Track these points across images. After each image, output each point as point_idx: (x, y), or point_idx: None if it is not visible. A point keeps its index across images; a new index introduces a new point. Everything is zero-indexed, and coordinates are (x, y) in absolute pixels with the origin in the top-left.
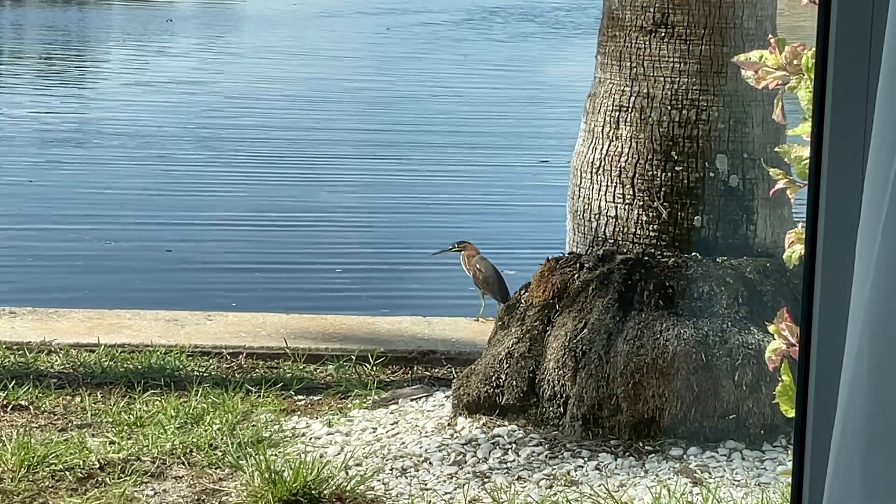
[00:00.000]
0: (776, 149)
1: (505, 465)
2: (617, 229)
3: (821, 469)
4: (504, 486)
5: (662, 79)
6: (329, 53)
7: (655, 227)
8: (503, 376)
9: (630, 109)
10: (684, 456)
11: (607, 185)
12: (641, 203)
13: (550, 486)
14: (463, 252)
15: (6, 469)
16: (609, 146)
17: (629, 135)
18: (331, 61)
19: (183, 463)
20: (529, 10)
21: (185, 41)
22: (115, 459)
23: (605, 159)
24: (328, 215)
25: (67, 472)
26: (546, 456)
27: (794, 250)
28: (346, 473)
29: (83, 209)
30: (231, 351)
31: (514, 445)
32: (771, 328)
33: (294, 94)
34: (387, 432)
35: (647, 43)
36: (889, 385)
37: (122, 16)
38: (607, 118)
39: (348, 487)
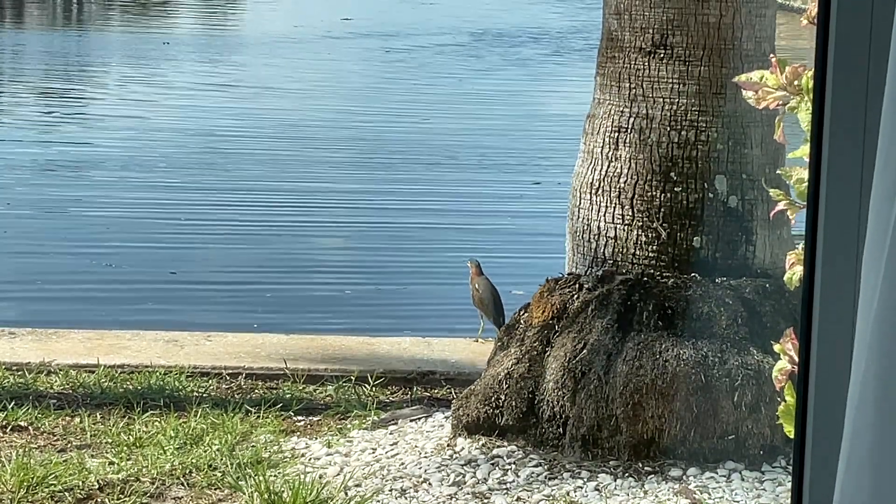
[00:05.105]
0: (777, 171)
1: (504, 486)
2: (616, 250)
3: (820, 487)
4: None
5: (661, 100)
6: (320, 79)
7: (654, 247)
8: (502, 397)
9: (629, 130)
10: (684, 477)
11: (606, 206)
12: (640, 224)
13: None
14: (471, 270)
15: (5, 490)
16: (608, 167)
17: (628, 155)
18: (322, 87)
19: (182, 484)
20: (525, 33)
21: (179, 66)
22: (115, 480)
23: (604, 180)
24: (330, 234)
25: (67, 493)
26: (545, 476)
27: (794, 272)
28: (346, 494)
29: (83, 233)
30: (230, 371)
31: (513, 466)
32: (777, 347)
33: (286, 118)
34: (386, 453)
35: (647, 64)
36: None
37: (121, 39)
38: (606, 139)
39: None
